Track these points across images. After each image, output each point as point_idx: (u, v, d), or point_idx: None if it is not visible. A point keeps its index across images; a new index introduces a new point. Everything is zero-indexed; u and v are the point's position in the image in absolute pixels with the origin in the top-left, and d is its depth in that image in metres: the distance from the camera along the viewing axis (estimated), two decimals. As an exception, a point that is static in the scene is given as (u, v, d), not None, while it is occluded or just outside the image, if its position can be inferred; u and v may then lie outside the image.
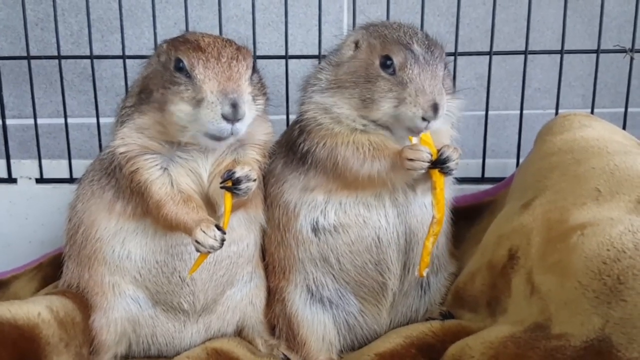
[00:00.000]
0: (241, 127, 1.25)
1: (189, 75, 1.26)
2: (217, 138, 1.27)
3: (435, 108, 1.31)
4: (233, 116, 1.22)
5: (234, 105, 1.22)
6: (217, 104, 1.22)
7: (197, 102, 1.24)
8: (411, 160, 1.34)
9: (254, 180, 1.33)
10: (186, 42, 1.31)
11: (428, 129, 1.35)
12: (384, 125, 1.42)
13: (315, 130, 1.45)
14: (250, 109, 1.26)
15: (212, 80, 1.24)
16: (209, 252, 1.28)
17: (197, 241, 1.27)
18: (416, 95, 1.32)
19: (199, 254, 1.30)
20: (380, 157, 1.40)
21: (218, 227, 1.27)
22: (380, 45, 1.41)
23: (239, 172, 1.31)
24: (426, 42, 1.40)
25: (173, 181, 1.36)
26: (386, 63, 1.38)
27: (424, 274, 1.38)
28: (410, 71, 1.35)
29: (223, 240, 1.27)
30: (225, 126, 1.23)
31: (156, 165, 1.37)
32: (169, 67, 1.30)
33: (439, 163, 1.35)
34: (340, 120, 1.44)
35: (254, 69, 1.35)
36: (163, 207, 1.34)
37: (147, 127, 1.35)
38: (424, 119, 1.32)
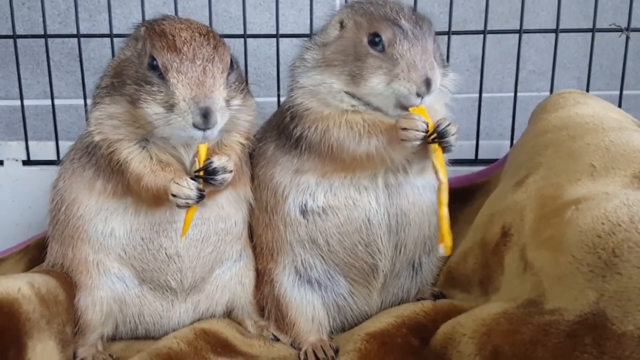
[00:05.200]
0: (212, 133, 1.24)
1: (162, 77, 1.24)
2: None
3: (427, 83, 1.29)
4: (204, 125, 1.21)
5: (205, 115, 1.20)
6: (189, 112, 1.21)
7: (170, 107, 1.23)
8: (405, 129, 1.31)
9: (231, 171, 1.31)
10: (162, 36, 1.27)
11: (422, 105, 1.33)
12: (372, 105, 1.39)
13: (305, 115, 1.42)
14: (222, 116, 1.25)
15: (184, 86, 1.22)
16: (189, 205, 1.28)
17: (173, 195, 1.27)
18: (409, 71, 1.30)
19: (185, 215, 1.30)
20: (376, 133, 1.37)
21: (193, 179, 1.28)
22: (367, 22, 1.38)
23: (216, 163, 1.29)
24: (413, 17, 1.37)
25: (152, 155, 1.35)
26: (374, 40, 1.35)
27: (446, 250, 1.31)
28: (400, 47, 1.32)
29: (200, 190, 1.27)
30: (196, 133, 1.23)
31: (135, 144, 1.35)
32: (143, 63, 1.28)
33: (438, 137, 1.32)
34: (328, 103, 1.41)
35: (232, 66, 1.33)
36: (142, 179, 1.32)
37: (118, 117, 1.34)
38: (417, 94, 1.30)
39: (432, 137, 1.32)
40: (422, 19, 1.38)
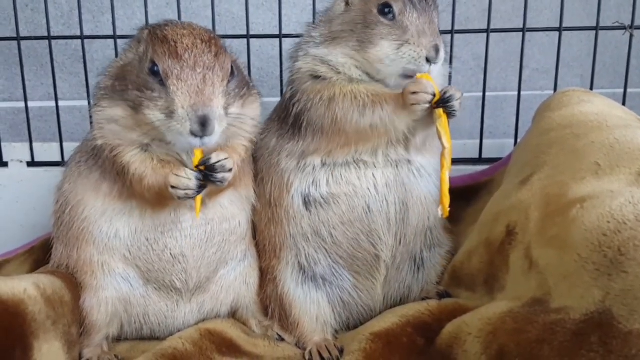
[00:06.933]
0: (210, 141, 1.24)
1: (162, 83, 1.25)
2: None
3: (437, 49, 1.35)
4: (202, 133, 1.22)
5: (203, 124, 1.21)
6: (187, 120, 1.21)
7: (170, 113, 1.23)
8: (415, 93, 1.34)
9: (230, 169, 1.31)
10: (164, 42, 1.27)
11: (429, 74, 1.37)
12: (376, 77, 1.43)
13: (311, 85, 1.45)
14: (220, 124, 1.25)
15: (184, 93, 1.22)
16: (188, 196, 1.29)
17: (172, 186, 1.28)
18: (419, 37, 1.35)
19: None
20: (381, 101, 1.40)
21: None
22: None
23: (215, 159, 1.29)
24: None
25: (154, 157, 1.35)
26: (384, 10, 1.40)
27: (443, 213, 1.37)
28: (410, 15, 1.38)
29: (198, 179, 1.28)
30: (194, 141, 1.24)
31: (137, 147, 1.35)
32: (144, 67, 1.28)
33: (443, 102, 1.35)
34: (338, 70, 1.44)
35: (233, 73, 1.32)
36: (144, 179, 1.33)
37: (118, 120, 1.34)
38: (427, 60, 1.35)
39: (437, 101, 1.35)
40: None
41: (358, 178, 1.45)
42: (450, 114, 1.37)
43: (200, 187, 1.29)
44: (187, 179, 1.28)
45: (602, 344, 1.00)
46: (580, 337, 1.03)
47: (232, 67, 1.32)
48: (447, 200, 1.37)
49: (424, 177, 1.49)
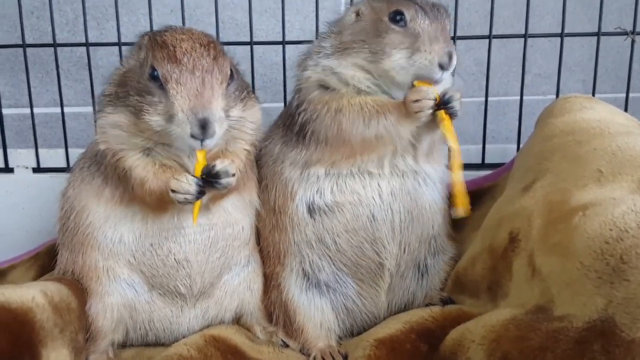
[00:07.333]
0: (211, 143, 1.25)
1: (162, 87, 1.26)
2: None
3: (450, 55, 1.35)
4: (202, 136, 1.23)
5: (203, 126, 1.22)
6: (187, 123, 1.22)
7: (170, 117, 1.24)
8: (417, 101, 1.35)
9: (233, 175, 1.32)
10: (164, 47, 1.29)
11: (442, 81, 1.37)
12: (386, 86, 1.43)
13: (319, 95, 1.45)
14: (221, 126, 1.25)
15: (183, 97, 1.23)
16: (188, 201, 1.29)
17: (172, 190, 1.29)
18: (431, 44, 1.35)
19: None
20: (385, 111, 1.40)
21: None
22: (386, 4, 1.43)
23: (219, 166, 1.30)
24: (429, 2, 1.44)
25: (156, 162, 1.36)
26: (396, 17, 1.40)
27: (464, 212, 1.40)
28: (422, 22, 1.38)
29: (199, 184, 1.29)
30: (194, 143, 1.25)
31: (139, 152, 1.37)
32: (144, 73, 1.30)
33: (443, 104, 1.37)
34: (347, 82, 1.44)
35: (232, 76, 1.33)
36: (146, 183, 1.34)
37: (121, 126, 1.35)
38: (440, 66, 1.34)
39: (437, 104, 1.37)
40: (438, 4, 1.45)
41: (363, 187, 1.46)
42: (452, 115, 1.38)
43: (200, 193, 1.30)
44: (188, 184, 1.29)
45: (605, 352, 1.00)
46: (582, 345, 1.03)
47: (231, 70, 1.33)
48: (464, 198, 1.38)
49: (429, 185, 1.50)
